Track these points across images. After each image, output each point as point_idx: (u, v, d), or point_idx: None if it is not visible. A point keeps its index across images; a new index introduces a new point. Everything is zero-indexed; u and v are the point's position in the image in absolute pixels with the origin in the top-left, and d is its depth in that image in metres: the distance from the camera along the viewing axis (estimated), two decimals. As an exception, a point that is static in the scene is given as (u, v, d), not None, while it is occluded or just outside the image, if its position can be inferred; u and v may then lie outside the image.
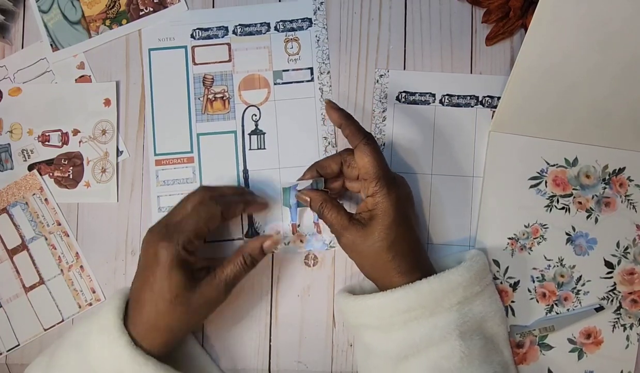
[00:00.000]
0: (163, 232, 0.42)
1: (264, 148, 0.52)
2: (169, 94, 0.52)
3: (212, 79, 0.52)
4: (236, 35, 0.52)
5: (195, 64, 0.52)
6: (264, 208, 0.50)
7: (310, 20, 0.52)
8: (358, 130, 0.43)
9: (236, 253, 0.44)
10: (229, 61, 0.52)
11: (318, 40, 0.52)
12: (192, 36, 0.52)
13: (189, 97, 0.52)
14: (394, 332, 0.42)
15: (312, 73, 0.52)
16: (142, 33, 0.52)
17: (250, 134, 0.52)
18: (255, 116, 0.52)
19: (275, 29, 0.52)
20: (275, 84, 0.52)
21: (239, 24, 0.52)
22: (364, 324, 0.43)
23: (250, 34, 0.52)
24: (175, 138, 0.52)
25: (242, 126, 0.52)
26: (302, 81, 0.52)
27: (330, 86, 0.52)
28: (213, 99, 0.52)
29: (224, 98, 0.52)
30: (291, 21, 0.52)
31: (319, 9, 0.52)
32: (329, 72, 0.52)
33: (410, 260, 0.42)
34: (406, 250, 0.42)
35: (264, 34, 0.52)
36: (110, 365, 0.40)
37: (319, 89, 0.52)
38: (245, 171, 0.51)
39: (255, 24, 0.52)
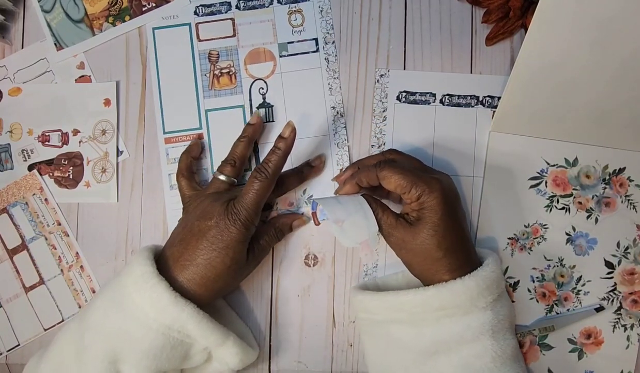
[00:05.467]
0: (231, 209, 0.43)
1: (273, 121, 0.52)
2: (175, 72, 0.52)
3: (218, 54, 0.52)
4: (239, 9, 0.52)
5: (199, 40, 0.52)
6: (319, 172, 0.51)
7: None
8: (367, 167, 0.45)
9: (268, 224, 0.49)
10: (234, 35, 0.52)
11: (322, 11, 0.52)
12: (195, 13, 0.52)
13: (195, 74, 0.52)
14: (425, 327, 0.42)
15: (317, 44, 0.52)
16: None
17: (258, 108, 0.52)
18: (263, 89, 0.52)
19: (279, 1, 0.52)
20: (280, 56, 0.52)
21: None
22: (393, 319, 0.43)
23: (254, 7, 0.52)
24: (184, 115, 0.52)
25: (250, 100, 0.52)
26: (308, 52, 0.52)
27: (336, 56, 0.52)
28: (219, 74, 0.52)
29: (230, 73, 0.52)
30: None
31: None
32: (334, 42, 0.52)
33: (460, 256, 0.42)
34: (456, 246, 0.42)
35: (267, 7, 0.52)
36: (154, 311, 0.41)
37: (325, 59, 0.52)
38: (255, 145, 0.51)
39: None
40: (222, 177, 0.47)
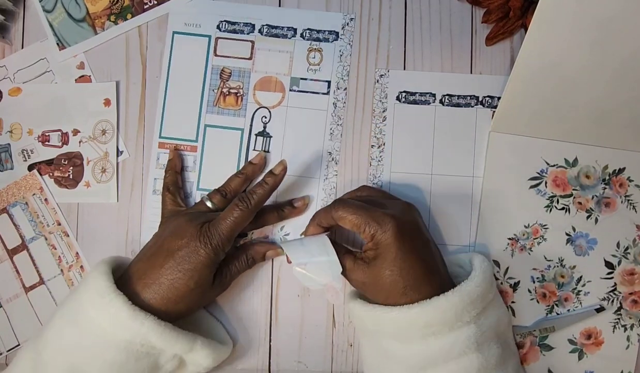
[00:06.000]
0: (205, 231, 0.43)
1: (268, 151, 0.52)
2: (184, 79, 0.52)
3: (230, 73, 0.52)
4: (262, 34, 0.52)
5: (216, 55, 0.52)
6: (300, 213, 0.51)
7: (337, 33, 0.52)
8: (324, 210, 0.45)
9: (240, 250, 0.48)
10: (250, 58, 0.52)
11: (341, 56, 0.52)
12: (218, 27, 0.52)
13: (204, 87, 0.52)
14: (412, 344, 0.41)
15: (329, 86, 0.52)
16: (169, 15, 0.52)
17: (257, 135, 0.52)
18: (265, 117, 0.52)
19: (301, 36, 0.52)
20: (290, 90, 0.52)
21: (267, 24, 0.52)
22: (381, 331, 0.43)
23: (276, 36, 0.52)
24: (183, 125, 0.52)
25: (251, 125, 0.52)
26: (318, 93, 0.52)
27: (345, 103, 0.51)
28: (227, 93, 0.52)
29: (238, 94, 0.52)
30: (318, 31, 0.52)
31: (347, 24, 0.52)
32: (345, 89, 0.51)
33: (423, 290, 0.41)
34: (418, 280, 0.41)
35: (289, 38, 0.52)
36: (111, 327, 0.40)
37: (333, 103, 0.51)
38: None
39: (283, 28, 0.52)
40: (209, 203, 0.47)
